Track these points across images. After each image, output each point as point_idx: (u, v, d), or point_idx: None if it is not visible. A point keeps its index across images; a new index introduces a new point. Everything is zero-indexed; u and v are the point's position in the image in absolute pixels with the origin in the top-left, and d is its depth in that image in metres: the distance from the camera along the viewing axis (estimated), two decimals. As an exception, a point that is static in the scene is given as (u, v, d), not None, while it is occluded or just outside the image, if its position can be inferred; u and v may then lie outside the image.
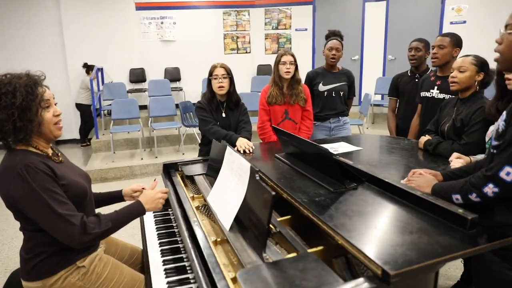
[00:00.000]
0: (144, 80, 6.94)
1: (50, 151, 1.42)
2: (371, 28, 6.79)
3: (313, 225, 1.38)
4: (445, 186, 1.42)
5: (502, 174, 1.18)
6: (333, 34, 3.01)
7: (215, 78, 2.44)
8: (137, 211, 1.46)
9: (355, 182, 1.56)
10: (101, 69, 6.59)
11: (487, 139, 1.82)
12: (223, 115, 2.53)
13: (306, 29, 7.24)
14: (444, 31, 6.07)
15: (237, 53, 7.39)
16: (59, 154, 1.47)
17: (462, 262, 2.35)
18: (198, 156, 2.64)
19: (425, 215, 1.27)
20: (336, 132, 3.06)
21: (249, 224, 1.26)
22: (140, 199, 1.50)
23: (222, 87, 2.43)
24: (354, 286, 0.95)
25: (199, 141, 5.35)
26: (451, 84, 2.07)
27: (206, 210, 1.67)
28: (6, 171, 1.27)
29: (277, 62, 2.75)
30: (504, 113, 1.27)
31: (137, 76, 6.91)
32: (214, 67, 2.47)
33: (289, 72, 2.70)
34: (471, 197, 1.29)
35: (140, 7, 6.82)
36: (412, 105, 2.93)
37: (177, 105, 5.55)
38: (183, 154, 5.32)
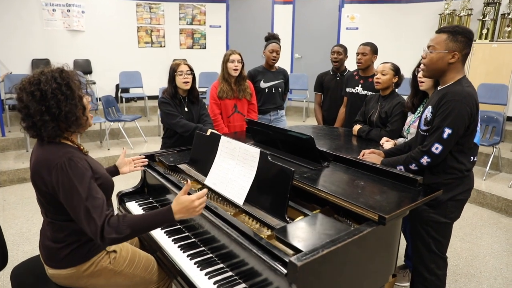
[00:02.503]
0: (50, 72, 6.38)
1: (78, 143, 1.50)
2: (280, 28, 7.42)
3: (301, 196, 1.75)
4: (390, 160, 1.95)
5: (433, 148, 1.73)
6: (273, 37, 3.41)
7: (180, 74, 2.62)
8: (164, 219, 1.35)
9: (325, 161, 1.99)
10: (-5, 59, 5.87)
11: (406, 127, 2.43)
12: (186, 109, 2.72)
13: (220, 26, 7.54)
14: (341, 35, 7.07)
15: (152, 46, 7.31)
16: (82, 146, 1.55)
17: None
18: (161, 148, 2.79)
19: (384, 180, 1.76)
20: (275, 123, 3.49)
21: (266, 196, 1.58)
22: (172, 206, 1.35)
23: (187, 82, 2.63)
24: (363, 228, 1.36)
25: (125, 135, 5.28)
26: (376, 84, 2.66)
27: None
28: (49, 161, 1.34)
29: (226, 60, 3.02)
30: (430, 107, 1.81)
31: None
32: (177, 64, 2.64)
33: (237, 69, 3.01)
34: (411, 167, 1.83)
35: (41, -9, 6.24)
36: (336, 99, 3.54)
37: (98, 99, 5.34)
38: (108, 149, 5.17)
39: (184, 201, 1.35)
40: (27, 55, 6.11)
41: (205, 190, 1.40)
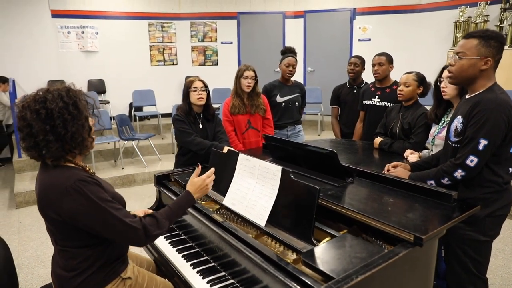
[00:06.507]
0: (65, 93, 6.46)
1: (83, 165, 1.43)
2: (291, 42, 7.38)
3: (325, 214, 1.65)
4: (419, 174, 1.83)
5: (467, 161, 1.61)
6: (289, 51, 3.35)
7: (194, 91, 2.56)
8: (188, 202, 1.52)
9: (349, 177, 1.88)
10: (12, 81, 5.96)
11: (430, 138, 2.30)
12: (200, 126, 2.66)
13: (231, 42, 7.57)
14: (354, 47, 7.00)
15: (164, 65, 7.36)
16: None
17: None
18: (175, 166, 2.72)
19: (414, 196, 1.64)
20: (293, 138, 3.39)
21: (290, 217, 1.48)
22: (188, 189, 1.54)
23: (202, 98, 2.57)
24: (398, 250, 1.24)
25: (139, 154, 5.25)
26: (399, 96, 2.55)
27: (222, 213, 1.81)
28: (56, 187, 1.27)
29: (240, 76, 2.96)
30: (460, 117, 1.69)
31: (56, 88, 6.41)
32: (192, 81, 2.60)
33: (249, 86, 2.93)
34: (443, 181, 1.70)
35: (56, 15, 6.37)
36: (353, 112, 3.43)
37: (111, 118, 5.35)
38: (123, 168, 5.15)
39: (198, 181, 1.56)
40: (42, 77, 6.19)
41: (212, 169, 1.63)
